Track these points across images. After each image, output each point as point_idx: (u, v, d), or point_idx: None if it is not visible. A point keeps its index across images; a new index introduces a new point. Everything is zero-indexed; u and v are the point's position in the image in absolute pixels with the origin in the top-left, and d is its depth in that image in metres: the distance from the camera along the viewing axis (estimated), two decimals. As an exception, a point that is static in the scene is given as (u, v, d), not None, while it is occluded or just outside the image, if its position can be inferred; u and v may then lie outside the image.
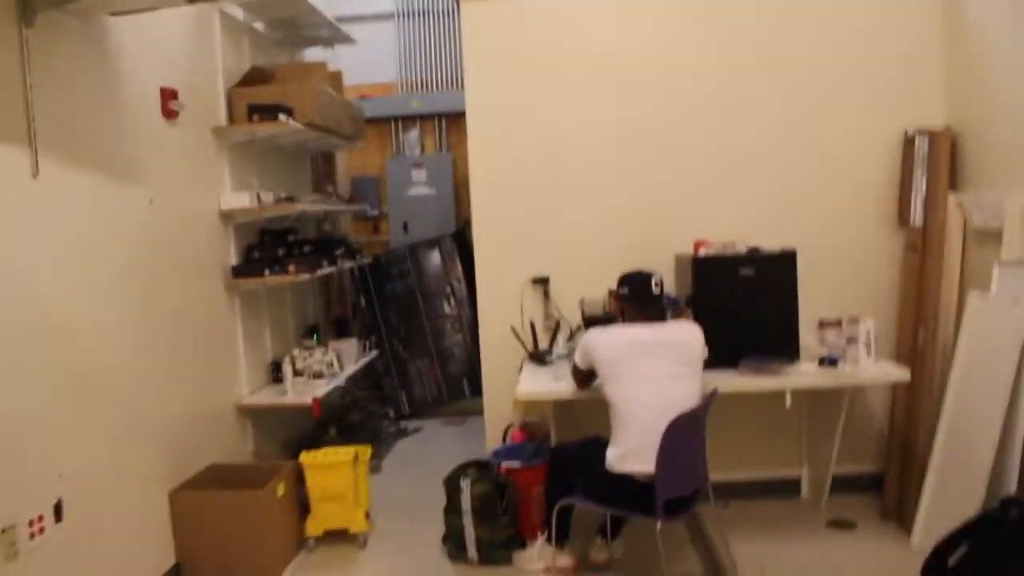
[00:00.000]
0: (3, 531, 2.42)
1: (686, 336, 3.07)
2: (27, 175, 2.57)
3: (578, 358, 3.20)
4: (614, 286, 3.74)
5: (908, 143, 3.82)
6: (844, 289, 3.89)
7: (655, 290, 3.10)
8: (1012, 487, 2.92)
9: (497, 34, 3.98)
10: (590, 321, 3.67)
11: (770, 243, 3.68)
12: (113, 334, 3.04)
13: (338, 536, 3.72)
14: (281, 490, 3.52)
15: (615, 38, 3.96)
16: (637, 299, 3.11)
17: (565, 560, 3.35)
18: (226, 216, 3.96)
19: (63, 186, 2.75)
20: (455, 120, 6.37)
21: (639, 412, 2.91)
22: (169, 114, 3.48)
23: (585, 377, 3.23)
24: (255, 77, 4.25)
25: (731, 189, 3.96)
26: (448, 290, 5.79)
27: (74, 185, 2.83)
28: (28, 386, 2.56)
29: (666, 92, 3.95)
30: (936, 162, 3.67)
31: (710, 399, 3.03)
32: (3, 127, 2.49)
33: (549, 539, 3.26)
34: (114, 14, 2.93)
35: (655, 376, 2.95)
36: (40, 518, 2.57)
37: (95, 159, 2.96)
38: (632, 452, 2.91)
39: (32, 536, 2.54)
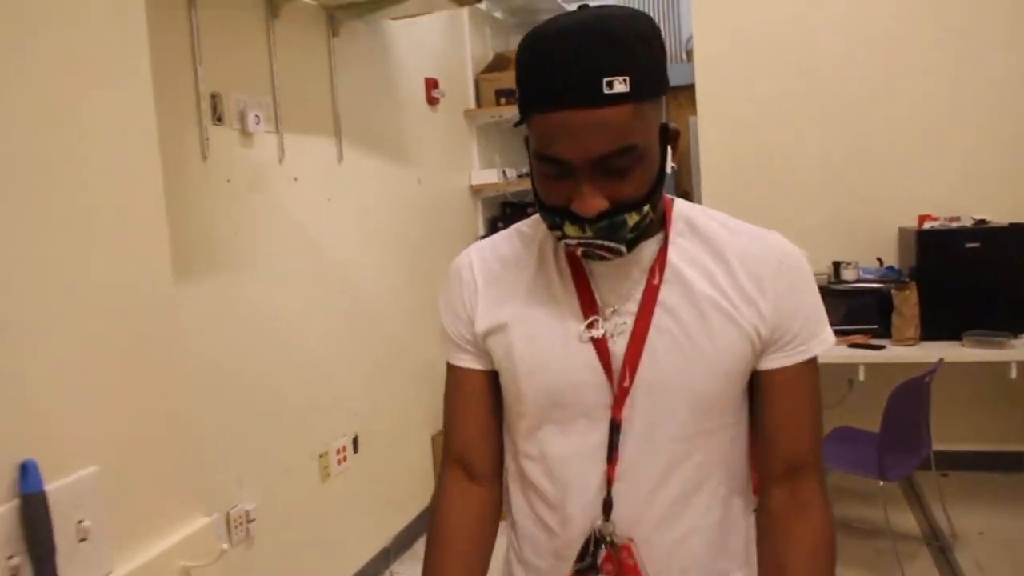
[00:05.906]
0: (320, 456, 2.95)
1: None
2: (335, 161, 3.07)
3: None
4: (836, 257, 3.75)
5: None
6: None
7: None
8: None
9: (725, 6, 4.03)
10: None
11: (997, 214, 3.58)
12: (391, 295, 3.52)
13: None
14: (527, 439, 3.89)
15: (838, 4, 3.87)
16: None
17: None
18: (475, 191, 4.38)
19: (358, 169, 3.23)
20: (673, 93, 6.49)
21: None
22: (432, 101, 3.91)
23: None
24: (498, 63, 4.62)
25: (956, 158, 3.78)
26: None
27: (365, 168, 3.30)
28: (334, 340, 3.07)
29: (888, 59, 3.82)
30: None
31: (935, 368, 3.04)
32: (321, 122, 2.99)
33: None
34: (394, 19, 3.36)
35: None
36: (344, 448, 3.10)
37: (379, 144, 3.43)
38: None
39: (339, 462, 3.06)
